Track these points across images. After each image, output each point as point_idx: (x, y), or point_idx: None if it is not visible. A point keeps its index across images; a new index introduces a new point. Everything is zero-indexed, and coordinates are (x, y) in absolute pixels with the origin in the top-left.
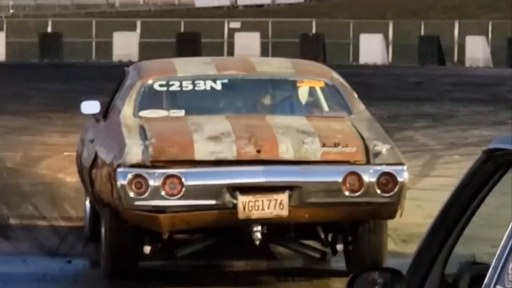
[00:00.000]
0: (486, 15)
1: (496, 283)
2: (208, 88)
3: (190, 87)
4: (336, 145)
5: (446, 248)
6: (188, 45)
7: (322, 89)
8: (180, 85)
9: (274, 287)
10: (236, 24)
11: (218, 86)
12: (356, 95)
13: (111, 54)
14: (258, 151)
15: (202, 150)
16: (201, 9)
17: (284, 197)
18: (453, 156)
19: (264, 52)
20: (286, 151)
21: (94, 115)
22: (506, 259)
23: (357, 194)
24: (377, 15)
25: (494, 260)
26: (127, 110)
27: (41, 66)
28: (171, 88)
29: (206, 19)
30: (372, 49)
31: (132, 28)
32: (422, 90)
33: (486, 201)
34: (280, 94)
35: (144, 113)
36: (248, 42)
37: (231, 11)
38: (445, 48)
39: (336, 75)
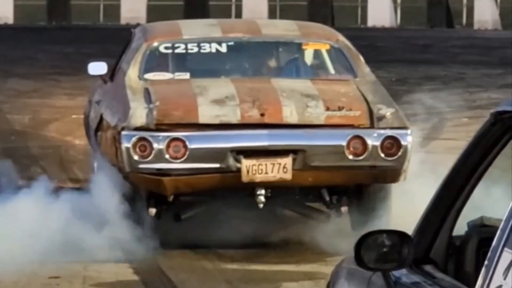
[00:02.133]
0: None
1: (504, 246)
2: (214, 50)
3: (196, 49)
4: (340, 108)
5: (454, 210)
6: (196, 8)
7: (327, 51)
8: (186, 48)
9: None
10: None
11: (223, 48)
12: (362, 58)
13: (118, 16)
14: (262, 115)
15: (206, 113)
16: None
17: (287, 160)
18: (461, 119)
19: (272, 15)
20: (290, 114)
21: (101, 76)
22: None
23: (361, 157)
24: None
25: (502, 223)
26: (132, 73)
27: (49, 28)
28: (177, 51)
29: None
30: (381, 11)
31: None
32: (431, 53)
33: (494, 164)
34: (285, 57)
35: (149, 76)
36: (255, 5)
37: None
38: (453, 10)
39: (341, 38)
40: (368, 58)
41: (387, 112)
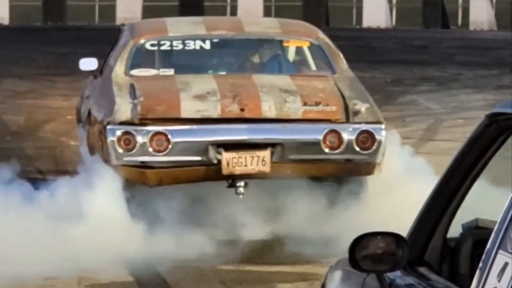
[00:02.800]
0: None
1: (498, 248)
2: (198, 47)
3: (180, 46)
4: (317, 103)
5: (449, 212)
6: (191, 9)
7: (307, 48)
8: (171, 45)
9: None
10: (271, 20)
11: (207, 45)
12: (341, 55)
13: (114, 17)
14: (242, 110)
15: (188, 108)
16: None
17: (266, 153)
18: (456, 120)
19: (267, 16)
20: (268, 109)
21: (92, 72)
22: (509, 224)
23: (337, 151)
24: None
25: (496, 225)
26: (119, 69)
27: (45, 29)
28: (162, 48)
29: None
30: (376, 12)
31: None
32: (426, 54)
33: (489, 166)
34: (267, 54)
35: (135, 72)
36: (251, 6)
37: None
38: (449, 11)
39: (322, 35)
40: (364, 59)
41: (362, 107)
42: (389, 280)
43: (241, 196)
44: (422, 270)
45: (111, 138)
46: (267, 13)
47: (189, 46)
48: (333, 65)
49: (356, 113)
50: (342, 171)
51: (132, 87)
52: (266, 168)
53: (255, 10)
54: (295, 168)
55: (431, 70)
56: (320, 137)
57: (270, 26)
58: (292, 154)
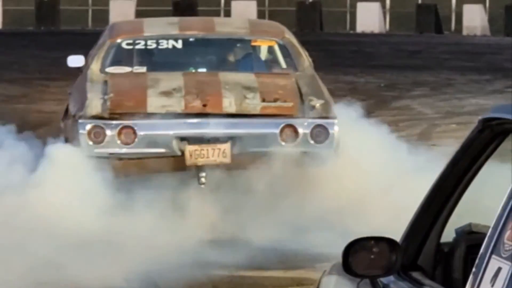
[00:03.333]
0: None
1: (492, 253)
2: (170, 46)
3: (154, 45)
4: (275, 100)
5: (442, 217)
6: (184, 13)
7: (273, 48)
8: (145, 44)
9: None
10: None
11: (179, 45)
12: (304, 54)
13: (107, 21)
14: (204, 105)
15: (154, 104)
16: None
17: (226, 146)
18: (450, 125)
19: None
20: (229, 105)
21: (79, 69)
22: (502, 229)
23: (293, 144)
24: None
25: (489, 230)
26: (94, 66)
27: (38, 33)
28: (137, 47)
29: None
30: (369, 17)
31: None
32: (419, 59)
33: (482, 170)
34: (235, 53)
35: (110, 69)
36: (244, 11)
37: None
38: (442, 16)
39: (288, 35)
40: (357, 64)
41: (317, 103)
42: (382, 285)
43: (203, 186)
44: (416, 275)
45: (82, 131)
46: (261, 18)
47: (162, 45)
48: (296, 64)
49: (311, 108)
50: (298, 162)
51: (105, 84)
52: (227, 160)
53: (249, 14)
54: (254, 159)
55: (424, 75)
56: (277, 131)
57: (240, 26)
58: (251, 146)
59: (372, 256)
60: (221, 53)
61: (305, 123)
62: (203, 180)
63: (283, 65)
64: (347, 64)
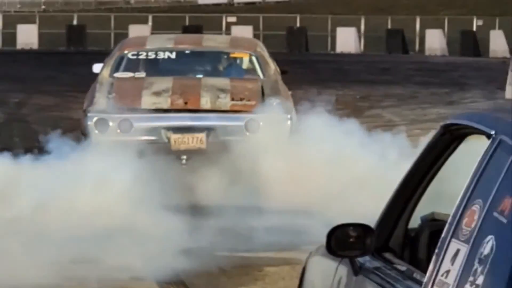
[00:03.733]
0: (443, 11)
1: (451, 237)
2: (166, 57)
3: (153, 56)
4: (241, 99)
5: (409, 206)
6: None
7: (246, 59)
8: (146, 55)
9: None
10: (232, 19)
11: (173, 55)
12: (272, 64)
13: None
14: (186, 103)
15: (147, 101)
16: (203, 5)
17: (203, 135)
18: (414, 131)
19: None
20: (205, 103)
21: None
22: (460, 217)
23: (255, 134)
24: (351, 12)
25: (450, 217)
26: (105, 72)
27: (68, 53)
28: (140, 57)
29: (207, 14)
30: (347, 40)
31: (145, 21)
32: (389, 75)
33: (443, 167)
34: (216, 62)
35: (117, 74)
36: (242, 34)
37: (228, 8)
38: (408, 39)
39: (259, 49)
40: (337, 79)
41: (274, 102)
42: (359, 263)
43: (184, 166)
44: (387, 255)
45: (89, 123)
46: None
47: (159, 56)
48: (263, 71)
49: (271, 107)
50: (259, 148)
51: (111, 85)
52: (203, 146)
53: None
54: (225, 146)
55: (393, 88)
56: (243, 124)
57: (222, 42)
58: (222, 136)
59: (351, 240)
60: (205, 62)
61: (266, 117)
62: (184, 161)
63: (253, 72)
64: (329, 79)
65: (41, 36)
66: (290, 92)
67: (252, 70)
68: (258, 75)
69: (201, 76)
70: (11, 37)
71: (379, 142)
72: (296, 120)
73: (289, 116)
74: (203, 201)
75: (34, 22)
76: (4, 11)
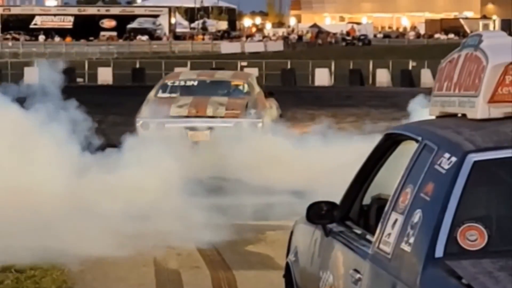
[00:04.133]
0: (388, 56)
1: (392, 210)
2: (190, 84)
3: (183, 83)
4: (232, 109)
5: (363, 189)
6: None
7: (241, 85)
8: (179, 83)
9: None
10: (244, 63)
11: (195, 83)
12: (257, 89)
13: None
14: (197, 112)
15: (174, 111)
16: (224, 54)
17: (207, 132)
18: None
19: (260, 79)
20: (209, 112)
21: None
22: (398, 196)
23: (239, 132)
24: (325, 57)
25: (390, 196)
26: (152, 94)
27: (132, 87)
28: (175, 84)
29: (227, 60)
30: (322, 77)
31: (185, 65)
32: (351, 100)
33: (386, 163)
34: (221, 87)
35: (158, 95)
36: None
37: (241, 55)
38: (364, 75)
39: (250, 79)
40: (316, 104)
41: (253, 112)
42: (328, 228)
43: (196, 150)
44: (348, 223)
45: (137, 124)
46: (260, 78)
47: (187, 84)
48: (250, 93)
49: (249, 114)
50: (243, 140)
51: (154, 102)
52: (208, 139)
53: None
54: (221, 138)
55: (353, 109)
56: (232, 125)
57: (227, 75)
58: (219, 132)
59: (323, 212)
60: (215, 87)
61: (246, 122)
62: (196, 147)
63: (243, 94)
64: (310, 103)
65: (114, 75)
66: (274, 106)
67: (243, 92)
68: (246, 96)
69: (210, 96)
70: (94, 76)
71: (338, 143)
72: (268, 124)
73: (260, 120)
74: (211, 172)
75: (109, 66)
76: (89, 58)
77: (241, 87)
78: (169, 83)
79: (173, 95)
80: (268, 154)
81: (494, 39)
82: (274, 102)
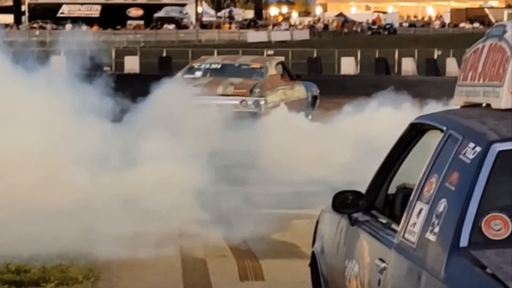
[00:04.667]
0: (413, 46)
1: (417, 200)
2: (214, 67)
3: (208, 66)
4: (240, 88)
5: (388, 178)
6: None
7: (258, 68)
8: (204, 66)
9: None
10: (271, 52)
11: (218, 66)
12: (273, 71)
13: None
14: (208, 90)
15: (193, 90)
16: (251, 43)
17: (217, 107)
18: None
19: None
20: (220, 91)
21: None
22: (423, 186)
23: (245, 108)
24: (351, 46)
25: (415, 186)
26: (179, 74)
27: (158, 75)
28: (200, 67)
29: (253, 49)
30: (348, 65)
31: (211, 54)
32: (376, 89)
33: (411, 153)
34: (240, 70)
35: (185, 76)
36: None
37: (268, 44)
38: (390, 64)
39: (267, 63)
40: (341, 92)
41: (257, 90)
42: (354, 218)
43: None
44: (374, 212)
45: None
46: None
47: (211, 66)
48: (264, 75)
49: (254, 93)
50: (248, 117)
51: (178, 81)
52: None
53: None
54: (228, 113)
55: (379, 98)
56: (238, 102)
57: (248, 59)
58: (228, 108)
59: (348, 201)
60: (235, 69)
61: (251, 99)
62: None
63: (257, 76)
64: (336, 92)
65: (141, 64)
66: (297, 87)
67: (258, 75)
68: (260, 77)
69: (227, 77)
70: (120, 65)
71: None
72: (274, 102)
73: (263, 98)
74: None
75: (136, 54)
76: (116, 47)
77: (258, 70)
78: (196, 66)
79: (197, 76)
80: (263, 129)
81: None
82: (300, 85)
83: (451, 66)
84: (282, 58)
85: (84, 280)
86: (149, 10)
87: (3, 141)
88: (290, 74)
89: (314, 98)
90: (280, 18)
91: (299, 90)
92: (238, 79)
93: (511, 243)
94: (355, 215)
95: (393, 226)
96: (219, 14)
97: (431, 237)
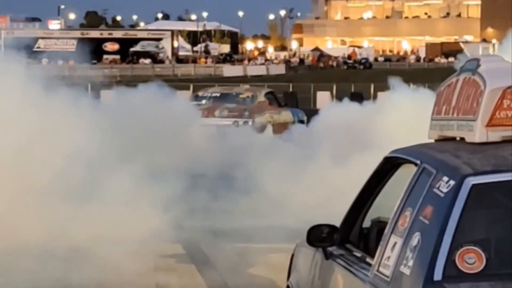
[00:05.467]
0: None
1: (391, 233)
2: (214, 95)
3: (209, 94)
4: (233, 112)
5: (363, 212)
6: None
7: (249, 96)
8: (207, 94)
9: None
10: (246, 86)
11: (218, 94)
12: (261, 99)
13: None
14: (208, 113)
15: (201, 110)
16: (227, 77)
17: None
18: None
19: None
20: (217, 114)
21: None
22: (397, 219)
23: (239, 126)
24: (327, 80)
25: (390, 220)
26: (189, 98)
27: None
28: (203, 95)
29: (229, 83)
30: (324, 100)
31: (187, 88)
32: None
33: (386, 186)
34: (235, 98)
35: (191, 102)
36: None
37: (244, 78)
38: (366, 98)
39: (257, 93)
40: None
41: (246, 113)
42: (329, 251)
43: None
44: (348, 246)
45: None
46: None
47: (212, 95)
48: (253, 102)
49: (246, 115)
50: (243, 131)
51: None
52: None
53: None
54: (224, 132)
55: None
56: (231, 123)
57: (241, 89)
58: (222, 128)
59: (323, 235)
60: (230, 97)
61: (242, 119)
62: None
63: (248, 102)
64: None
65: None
66: (284, 113)
67: (249, 101)
68: (250, 104)
69: (224, 103)
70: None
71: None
72: (260, 123)
73: (251, 120)
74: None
75: (112, 88)
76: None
77: (249, 98)
78: (200, 94)
79: (200, 102)
80: (250, 142)
81: (491, 63)
82: (287, 111)
83: None
84: (271, 89)
85: None
86: (125, 44)
87: None
88: (278, 102)
89: (301, 122)
90: (256, 53)
91: (286, 115)
92: (233, 104)
93: (485, 276)
94: (329, 249)
95: (368, 259)
96: (195, 48)
97: (406, 271)
